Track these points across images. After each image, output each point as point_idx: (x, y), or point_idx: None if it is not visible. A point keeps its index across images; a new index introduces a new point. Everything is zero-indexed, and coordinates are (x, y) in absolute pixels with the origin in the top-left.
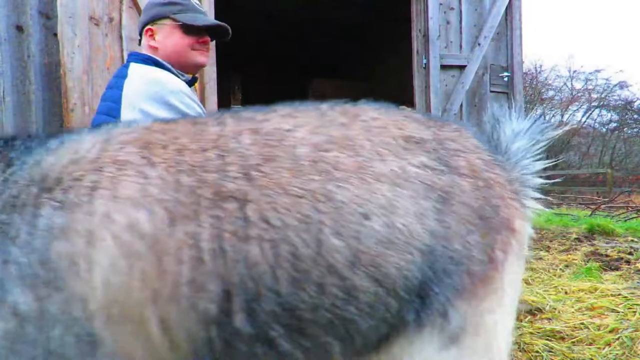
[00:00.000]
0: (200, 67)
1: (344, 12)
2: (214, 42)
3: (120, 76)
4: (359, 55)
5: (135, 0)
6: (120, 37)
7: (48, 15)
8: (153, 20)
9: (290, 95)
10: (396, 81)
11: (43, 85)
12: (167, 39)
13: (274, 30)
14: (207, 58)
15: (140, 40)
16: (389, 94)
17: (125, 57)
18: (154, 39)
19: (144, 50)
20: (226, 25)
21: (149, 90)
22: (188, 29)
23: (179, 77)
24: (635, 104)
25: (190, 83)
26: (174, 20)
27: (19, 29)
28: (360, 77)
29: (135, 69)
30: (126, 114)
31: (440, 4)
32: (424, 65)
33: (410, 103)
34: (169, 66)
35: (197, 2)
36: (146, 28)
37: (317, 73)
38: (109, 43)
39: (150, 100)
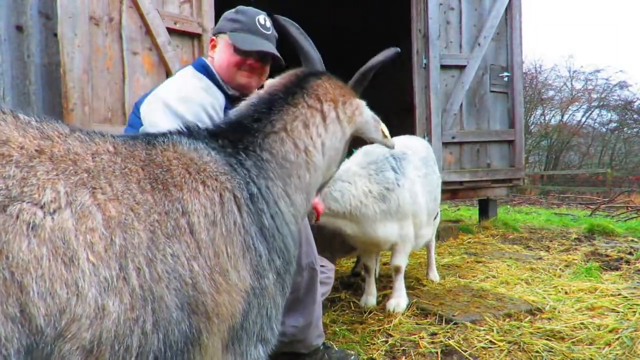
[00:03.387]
0: (242, 88)
1: (343, 12)
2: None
3: (171, 75)
4: (358, 55)
5: (135, 0)
6: (120, 37)
7: (48, 15)
8: (216, 32)
9: None
10: (396, 81)
11: (43, 85)
12: (221, 53)
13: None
14: (252, 81)
15: None
16: (388, 94)
17: (125, 57)
18: (213, 50)
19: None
20: (270, 52)
21: (165, 96)
22: (238, 49)
23: (224, 89)
24: (635, 104)
25: (239, 100)
26: (229, 37)
27: (19, 29)
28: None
29: (181, 72)
30: (144, 106)
31: (440, 4)
32: (424, 65)
33: (410, 103)
34: (217, 77)
35: (264, 22)
36: (211, 37)
37: None
38: (109, 43)
39: (160, 106)
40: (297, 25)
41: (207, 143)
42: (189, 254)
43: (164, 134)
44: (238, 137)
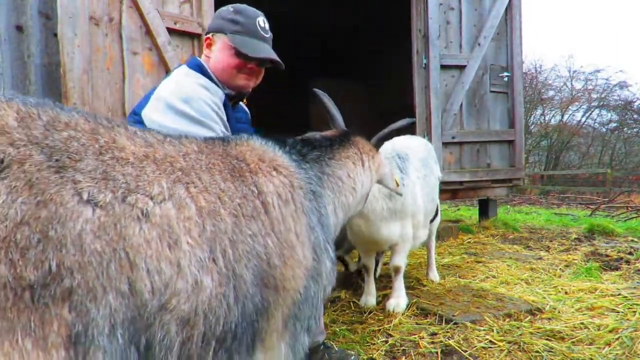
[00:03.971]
0: (240, 88)
1: (343, 13)
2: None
3: (167, 75)
4: (358, 55)
5: (135, 0)
6: (120, 37)
7: (48, 15)
8: (213, 31)
9: (290, 95)
10: (396, 81)
11: (43, 85)
12: (219, 53)
13: (273, 31)
14: (250, 83)
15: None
16: (388, 94)
17: (125, 57)
18: (209, 48)
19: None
20: (274, 59)
21: (168, 97)
22: (238, 52)
23: (219, 87)
24: (635, 104)
25: (235, 98)
26: (230, 39)
27: (19, 29)
28: (360, 78)
29: (177, 71)
30: (148, 111)
31: (440, 4)
32: (424, 65)
33: (410, 103)
34: (213, 76)
35: (264, 24)
36: (207, 36)
37: (316, 73)
38: (109, 43)
39: (164, 108)
40: (327, 96)
41: (275, 146)
42: (264, 232)
43: (236, 136)
44: (307, 150)
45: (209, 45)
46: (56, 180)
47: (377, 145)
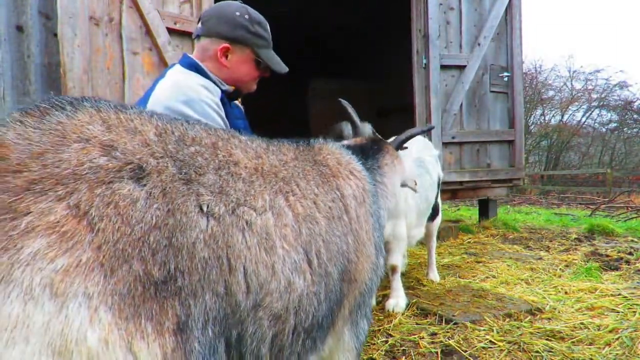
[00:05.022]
0: (249, 92)
1: (343, 12)
2: None
3: (161, 75)
4: (358, 55)
5: (135, 0)
6: (120, 37)
7: (48, 15)
8: (235, 41)
9: (290, 95)
10: (396, 81)
11: (43, 85)
12: (242, 66)
13: (273, 31)
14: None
15: (198, 37)
16: (388, 94)
17: (125, 57)
18: (226, 57)
19: (198, 53)
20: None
21: (168, 100)
22: (264, 65)
23: (218, 85)
24: (635, 104)
25: (233, 95)
26: (255, 54)
27: (19, 29)
28: (360, 77)
29: (173, 71)
30: None
31: (440, 4)
32: (424, 66)
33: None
34: (211, 74)
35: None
36: (225, 45)
37: (317, 73)
38: (109, 43)
39: (164, 110)
40: (351, 106)
41: (347, 150)
42: (346, 231)
43: (317, 141)
44: (364, 157)
45: (225, 54)
46: (184, 191)
47: (398, 149)
